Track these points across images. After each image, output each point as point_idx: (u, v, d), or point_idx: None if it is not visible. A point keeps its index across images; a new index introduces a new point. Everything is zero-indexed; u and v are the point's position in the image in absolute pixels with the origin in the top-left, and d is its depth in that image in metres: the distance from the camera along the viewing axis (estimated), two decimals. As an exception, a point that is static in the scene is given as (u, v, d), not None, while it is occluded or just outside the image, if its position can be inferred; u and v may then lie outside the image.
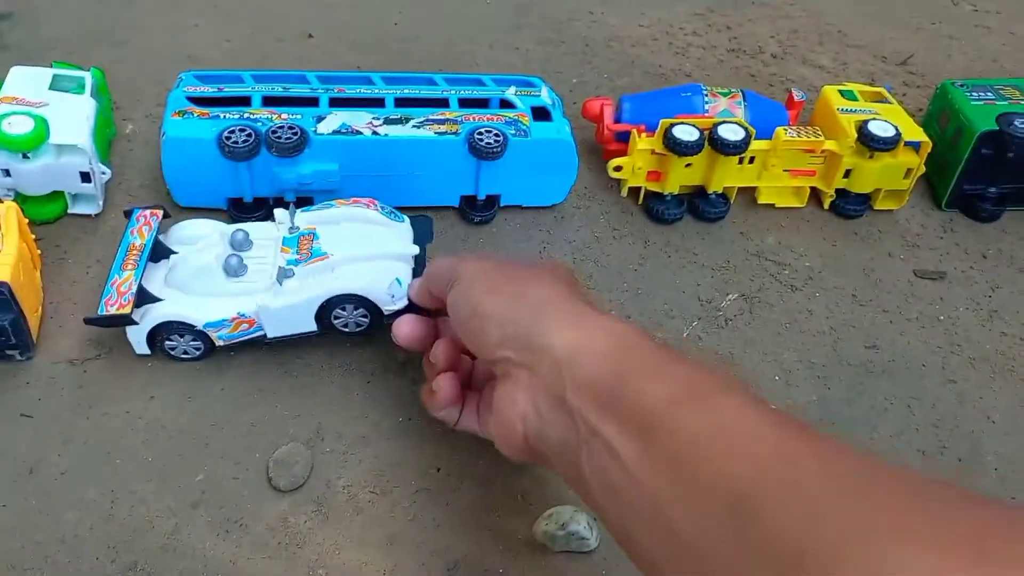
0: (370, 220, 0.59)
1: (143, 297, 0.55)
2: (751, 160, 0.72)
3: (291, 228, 0.58)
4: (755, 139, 0.71)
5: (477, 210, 0.71)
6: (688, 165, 0.71)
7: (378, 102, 0.69)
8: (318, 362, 0.60)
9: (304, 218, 0.59)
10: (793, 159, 0.73)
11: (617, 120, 0.75)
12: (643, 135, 0.71)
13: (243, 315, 0.55)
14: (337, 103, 0.69)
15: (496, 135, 0.67)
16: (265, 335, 0.56)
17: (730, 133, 0.69)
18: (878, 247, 0.74)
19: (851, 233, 0.75)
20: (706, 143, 0.69)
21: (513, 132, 0.68)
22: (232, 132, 0.64)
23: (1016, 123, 0.72)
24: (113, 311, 0.53)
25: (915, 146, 0.72)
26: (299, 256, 0.56)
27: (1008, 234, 0.76)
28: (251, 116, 0.66)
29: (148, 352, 0.57)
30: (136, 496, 0.51)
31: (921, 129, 0.73)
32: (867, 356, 0.65)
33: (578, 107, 0.78)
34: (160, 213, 0.60)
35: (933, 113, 0.79)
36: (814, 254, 0.72)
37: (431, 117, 0.68)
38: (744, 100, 0.75)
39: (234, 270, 0.56)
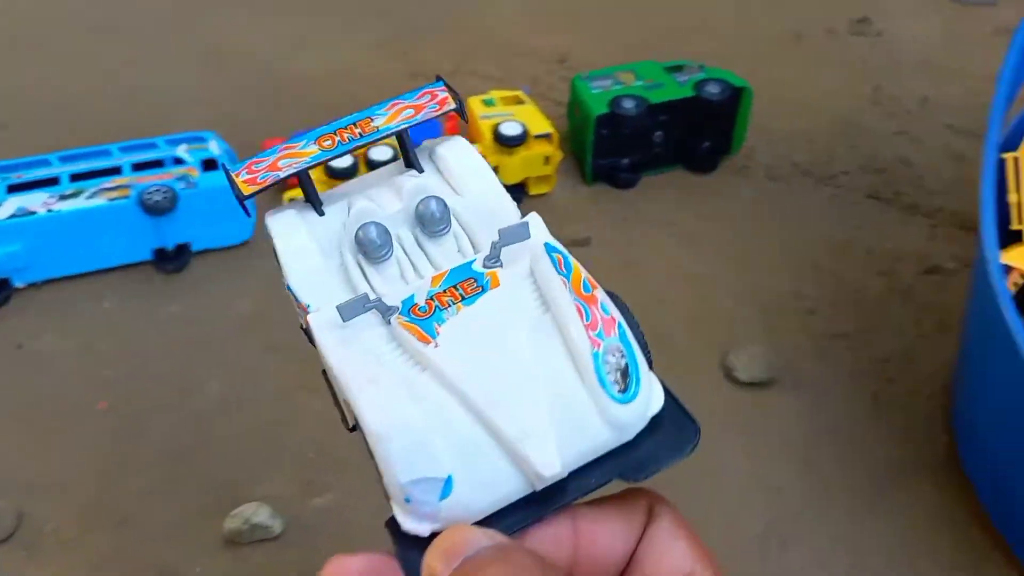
0: (568, 344, 0.26)
1: (307, 187, 0.31)
2: (411, 172, 0.82)
3: (490, 259, 0.28)
4: (408, 154, 0.81)
5: (168, 260, 0.78)
6: (355, 187, 0.80)
7: (54, 181, 0.75)
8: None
9: (524, 254, 0.29)
10: (449, 165, 0.84)
11: (291, 157, 0.84)
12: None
13: (306, 310, 0.31)
14: (14, 188, 0.74)
15: (165, 192, 0.74)
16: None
17: (381, 154, 0.79)
18: (536, 227, 0.85)
19: (513, 219, 0.86)
20: (362, 165, 0.79)
21: (183, 186, 0.75)
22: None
23: (624, 104, 0.85)
24: (240, 180, 0.30)
25: (548, 137, 0.84)
26: (429, 301, 0.28)
27: (644, 197, 0.89)
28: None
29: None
30: None
31: (549, 122, 0.85)
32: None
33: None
34: (450, 105, 0.32)
35: (571, 103, 0.91)
36: (479, 244, 0.83)
37: (104, 186, 0.75)
38: (397, 121, 0.85)
39: (366, 246, 0.29)
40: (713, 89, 0.86)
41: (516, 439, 0.24)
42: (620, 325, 0.26)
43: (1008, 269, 0.62)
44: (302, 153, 0.30)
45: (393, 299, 0.27)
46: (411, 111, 0.31)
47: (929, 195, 0.90)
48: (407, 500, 0.24)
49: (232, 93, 1.01)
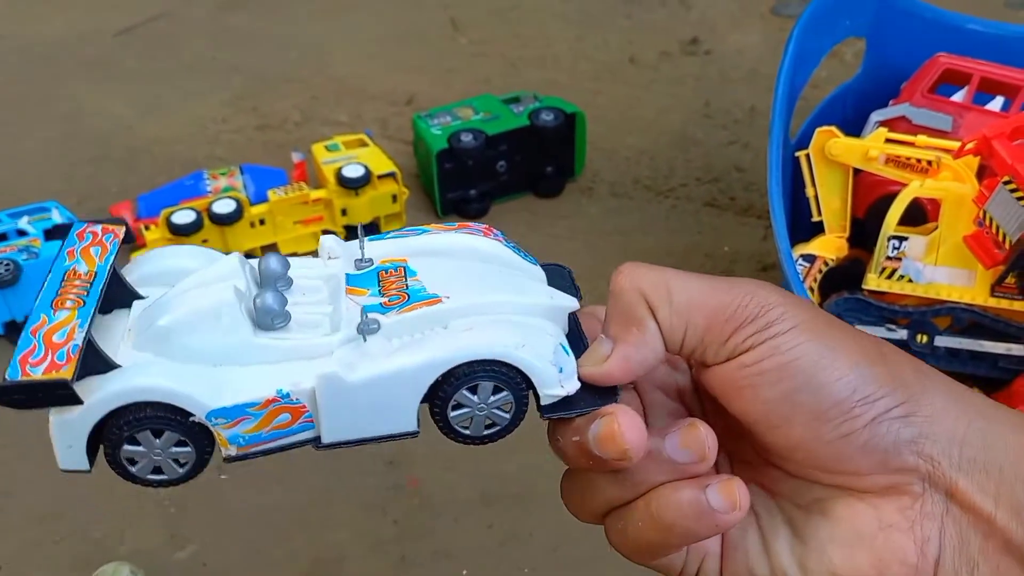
0: (491, 256, 0.35)
1: (94, 359, 0.30)
2: (262, 222, 0.84)
3: (360, 261, 0.34)
4: (256, 204, 0.82)
5: (14, 334, 0.77)
6: (205, 241, 0.81)
7: None
8: None
9: (382, 248, 0.35)
10: (298, 212, 0.85)
11: (138, 217, 0.84)
12: (153, 226, 0.81)
13: (287, 397, 0.31)
14: None
15: (7, 264, 0.74)
16: (317, 439, 0.32)
17: (223, 207, 0.80)
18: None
19: (367, 258, 0.88)
20: (206, 220, 0.80)
21: (24, 257, 0.75)
22: None
23: (462, 138, 0.88)
24: (38, 375, 0.29)
25: (392, 175, 0.87)
26: (384, 300, 0.32)
27: (494, 225, 0.92)
28: None
29: (84, 467, 0.32)
30: None
31: (392, 162, 0.88)
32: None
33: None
34: (121, 232, 0.35)
35: (415, 142, 0.94)
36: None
37: (-58, 264, 0.74)
38: (242, 173, 0.86)
39: (271, 316, 0.31)
40: (547, 117, 0.91)
41: (551, 303, 0.34)
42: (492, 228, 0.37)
43: (813, 257, 0.68)
44: (63, 321, 0.30)
45: (350, 323, 0.32)
46: (96, 248, 0.34)
47: (761, 197, 0.95)
48: (560, 371, 0.32)
49: (83, 160, 1.01)
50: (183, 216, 0.79)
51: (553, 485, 0.36)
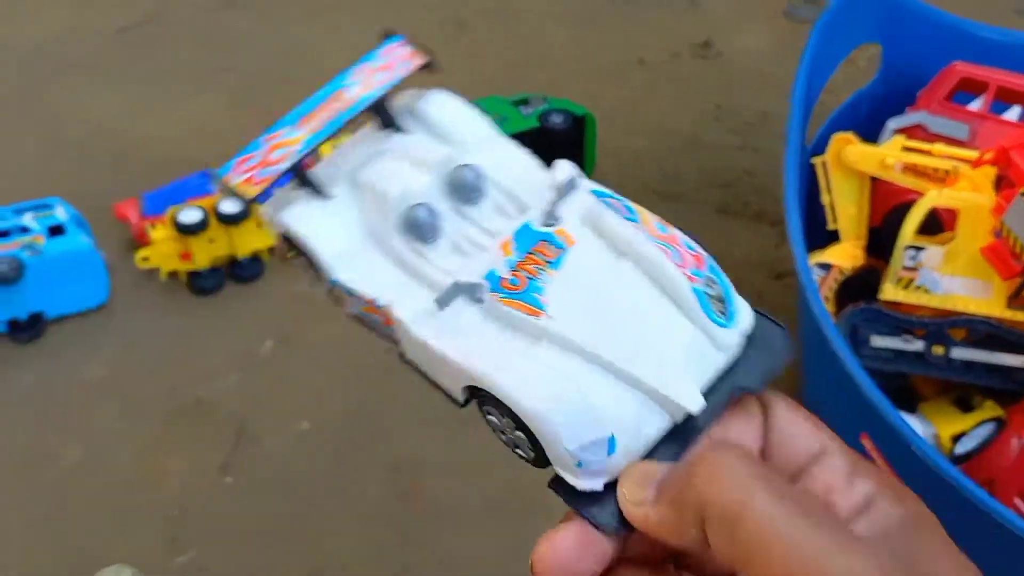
0: (668, 286, 0.27)
1: (307, 183, 0.30)
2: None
3: (548, 216, 0.29)
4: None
5: (22, 331, 0.76)
6: (212, 240, 0.80)
7: None
8: None
9: (580, 206, 0.29)
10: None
11: (144, 215, 0.83)
12: (158, 225, 0.80)
13: (383, 307, 0.29)
14: None
15: (10, 261, 0.73)
16: (402, 352, 0.30)
17: (230, 206, 0.79)
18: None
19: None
20: (213, 219, 0.79)
21: (28, 254, 0.74)
22: None
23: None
24: (236, 183, 0.31)
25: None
26: (509, 275, 0.28)
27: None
28: None
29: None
30: None
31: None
32: (389, 358, 0.77)
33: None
34: (421, 60, 0.32)
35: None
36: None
37: (-55, 260, 0.73)
38: (248, 173, 0.85)
39: (419, 229, 0.29)
40: (556, 119, 0.90)
41: (660, 386, 0.26)
42: (705, 258, 0.28)
43: (828, 266, 0.67)
44: (291, 140, 0.30)
45: (472, 276, 0.27)
46: (383, 74, 0.30)
47: (774, 203, 0.94)
48: (579, 465, 0.26)
49: (80, 160, 1.00)
50: (190, 215, 0.78)
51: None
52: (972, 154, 0.63)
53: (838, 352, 0.54)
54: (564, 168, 0.29)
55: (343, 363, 0.76)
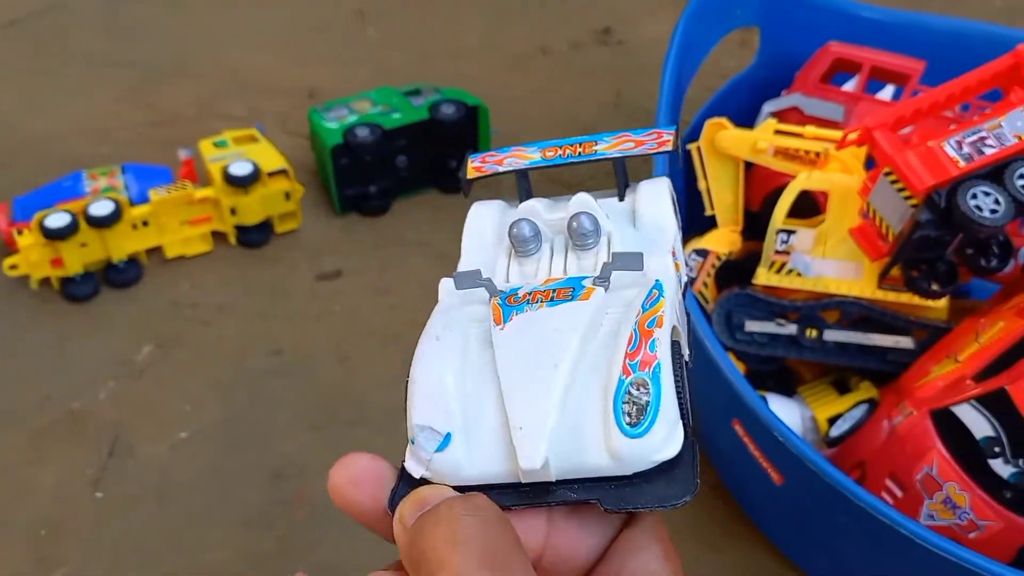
0: (607, 370, 0.27)
1: (522, 183, 0.33)
2: (144, 224, 0.80)
3: (599, 277, 0.29)
4: (137, 204, 0.78)
5: None
6: (83, 245, 0.77)
7: None
8: None
9: (638, 280, 0.29)
10: (185, 212, 0.82)
11: (13, 220, 0.80)
12: (26, 231, 0.76)
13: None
14: None
15: None
16: None
17: (100, 208, 0.76)
18: (285, 264, 0.84)
19: (260, 260, 0.85)
20: (82, 223, 0.76)
21: None
22: None
23: (358, 132, 0.85)
24: (470, 166, 0.34)
25: (283, 172, 0.84)
26: (527, 294, 0.29)
27: (396, 222, 0.90)
28: None
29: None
30: None
31: (283, 158, 0.84)
32: (270, 362, 0.75)
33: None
34: (669, 147, 0.32)
35: (312, 136, 0.91)
36: (225, 288, 0.81)
37: None
38: (124, 172, 0.82)
39: (515, 238, 0.31)
40: (447, 110, 0.88)
41: (514, 426, 0.26)
42: (657, 365, 0.26)
43: (706, 252, 0.66)
44: (526, 156, 0.33)
45: (506, 286, 0.30)
46: (631, 144, 0.32)
47: (670, 189, 0.94)
48: (412, 441, 0.27)
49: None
50: (57, 219, 0.75)
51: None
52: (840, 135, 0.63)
53: (704, 339, 0.54)
54: (651, 258, 0.29)
55: (222, 369, 0.74)
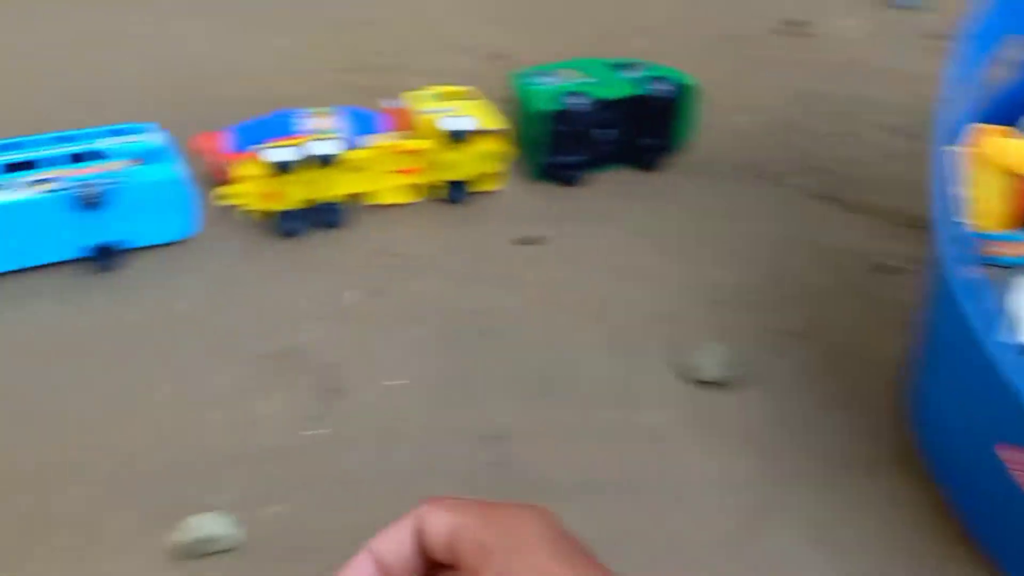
0: None
1: None
2: (357, 168, 0.80)
3: None
4: (355, 148, 0.78)
5: (103, 258, 0.73)
6: (302, 182, 0.77)
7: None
8: None
9: None
10: (395, 161, 0.81)
11: (227, 150, 0.80)
12: (246, 162, 0.76)
13: None
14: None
15: (100, 185, 0.70)
16: None
17: (323, 148, 0.76)
18: (484, 225, 0.84)
19: (462, 218, 0.84)
20: (305, 159, 0.76)
21: (119, 179, 0.71)
22: None
23: (577, 100, 0.84)
24: None
25: (499, 132, 0.83)
26: None
27: (590, 195, 0.88)
28: None
29: None
30: None
31: (500, 118, 0.83)
32: (476, 321, 0.74)
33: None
34: None
35: (518, 101, 0.90)
36: (427, 242, 0.81)
37: (35, 178, 0.70)
38: (340, 115, 0.82)
39: None
40: (661, 86, 0.86)
41: None
42: None
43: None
44: None
45: None
46: None
47: (865, 192, 0.91)
48: None
49: (160, 89, 0.97)
50: (282, 153, 0.75)
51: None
52: None
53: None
54: None
55: (428, 324, 0.73)
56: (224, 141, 0.80)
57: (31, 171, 0.71)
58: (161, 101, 0.94)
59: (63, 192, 0.69)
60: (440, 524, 0.32)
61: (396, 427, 0.66)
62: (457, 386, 0.69)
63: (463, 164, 0.82)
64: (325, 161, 0.76)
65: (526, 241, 0.82)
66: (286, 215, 0.78)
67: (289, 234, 0.78)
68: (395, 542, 0.33)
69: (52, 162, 0.72)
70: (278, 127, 0.79)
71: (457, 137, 0.79)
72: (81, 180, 0.70)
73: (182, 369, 0.68)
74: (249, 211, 0.78)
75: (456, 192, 0.84)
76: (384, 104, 0.85)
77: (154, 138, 0.76)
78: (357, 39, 1.08)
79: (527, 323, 0.74)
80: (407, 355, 0.70)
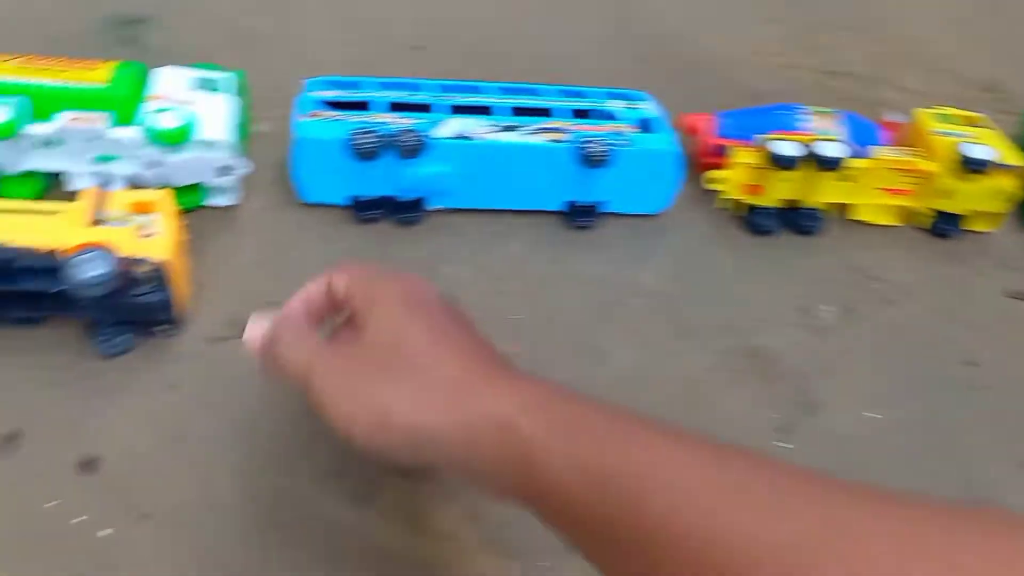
0: None
1: None
2: (849, 177, 0.75)
3: None
4: (858, 156, 0.73)
5: (580, 216, 0.74)
6: (794, 181, 0.73)
7: (490, 110, 0.73)
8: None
9: None
10: (889, 178, 0.75)
11: (717, 135, 0.78)
12: (743, 150, 0.74)
13: None
14: (454, 110, 0.73)
15: (603, 145, 0.70)
16: None
17: (830, 149, 0.72)
18: (972, 267, 0.75)
19: (944, 253, 0.76)
20: (806, 158, 0.72)
21: (620, 142, 0.71)
22: (358, 134, 0.68)
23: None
24: None
25: (1015, 169, 0.74)
26: None
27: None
28: (375, 120, 0.70)
29: None
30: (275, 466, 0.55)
31: (1020, 154, 0.74)
32: (965, 372, 0.66)
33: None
34: None
35: (1020, 137, 0.80)
36: (908, 272, 0.74)
37: (542, 126, 0.72)
38: (841, 120, 0.77)
39: None
40: None
41: None
42: None
43: None
44: None
45: None
46: None
47: None
48: None
49: (639, 60, 0.97)
50: (788, 148, 0.71)
51: None
52: None
53: None
54: None
55: (910, 360, 0.67)
56: (713, 124, 0.78)
57: (539, 119, 0.73)
58: (638, 72, 0.95)
59: (569, 145, 0.70)
60: (341, 281, 0.45)
61: (868, 463, 0.60)
62: (938, 437, 0.62)
63: (968, 196, 0.74)
64: (829, 164, 0.71)
65: (1011, 294, 0.73)
66: (760, 211, 0.75)
67: (761, 231, 0.75)
68: (317, 292, 0.46)
69: (557, 114, 0.73)
70: (779, 121, 0.76)
71: (974, 166, 0.72)
72: (587, 137, 0.71)
73: (645, 341, 0.66)
74: (727, 199, 0.76)
75: (946, 224, 0.76)
76: (886, 116, 0.79)
77: (651, 108, 0.76)
78: (836, 42, 1.02)
79: (1018, 385, 0.66)
80: (886, 388, 0.65)
